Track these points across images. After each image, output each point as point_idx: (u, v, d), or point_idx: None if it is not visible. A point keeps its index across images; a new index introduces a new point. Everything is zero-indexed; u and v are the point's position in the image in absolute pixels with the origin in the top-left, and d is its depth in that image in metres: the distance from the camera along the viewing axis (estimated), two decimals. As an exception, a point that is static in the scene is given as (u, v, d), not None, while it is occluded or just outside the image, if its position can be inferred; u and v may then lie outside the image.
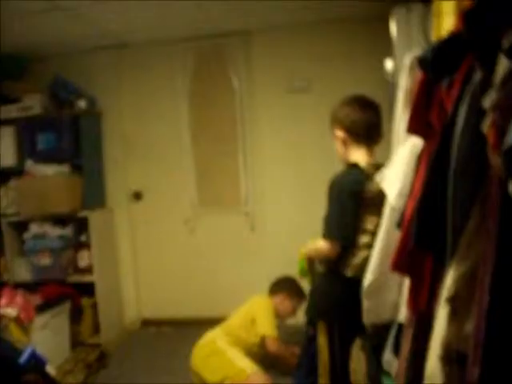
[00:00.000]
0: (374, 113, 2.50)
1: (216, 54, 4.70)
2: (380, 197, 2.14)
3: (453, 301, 1.18)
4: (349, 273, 2.38)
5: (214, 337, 3.57)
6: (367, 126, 2.47)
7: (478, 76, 1.13)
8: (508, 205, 1.04)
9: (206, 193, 4.85)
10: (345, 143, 2.51)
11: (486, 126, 0.99)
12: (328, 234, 2.44)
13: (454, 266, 1.18)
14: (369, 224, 2.34)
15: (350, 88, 4.47)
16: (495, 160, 1.00)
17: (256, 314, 3.64)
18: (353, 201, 2.36)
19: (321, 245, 2.49)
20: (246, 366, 3.34)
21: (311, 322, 2.61)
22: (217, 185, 4.81)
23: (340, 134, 2.52)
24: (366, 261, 2.24)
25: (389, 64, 3.44)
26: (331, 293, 2.51)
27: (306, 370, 2.68)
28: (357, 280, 2.27)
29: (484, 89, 1.04)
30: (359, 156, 2.48)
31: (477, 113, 1.07)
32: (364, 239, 2.36)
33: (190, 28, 4.42)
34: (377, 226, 2.20)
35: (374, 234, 2.24)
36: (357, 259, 2.36)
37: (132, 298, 5.02)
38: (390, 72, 3.40)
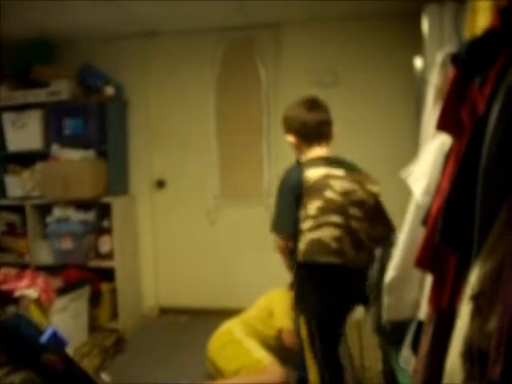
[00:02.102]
0: (320, 112, 2.57)
1: (245, 45, 4.70)
2: (318, 182, 2.38)
3: (477, 298, 1.17)
4: (298, 258, 2.43)
5: (230, 327, 3.57)
6: (315, 125, 2.55)
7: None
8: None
9: (228, 184, 4.86)
10: (297, 146, 2.62)
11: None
12: (272, 229, 2.57)
13: (479, 263, 1.17)
14: (311, 210, 2.40)
15: (377, 84, 4.50)
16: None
17: (274, 307, 3.64)
18: (291, 193, 2.46)
19: (274, 241, 2.60)
20: (263, 356, 3.33)
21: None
22: (239, 176, 4.81)
23: (291, 139, 2.62)
24: (311, 244, 2.36)
25: (418, 61, 3.42)
26: (301, 283, 2.56)
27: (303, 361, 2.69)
28: (322, 267, 2.39)
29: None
30: (311, 154, 2.58)
31: (511, 110, 1.06)
32: (307, 224, 2.39)
33: (220, 18, 4.42)
34: (318, 208, 2.36)
35: (316, 217, 2.36)
36: (302, 244, 2.40)
37: (151, 285, 5.05)
38: (419, 69, 3.38)
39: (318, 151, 2.58)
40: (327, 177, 2.42)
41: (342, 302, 2.58)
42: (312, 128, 2.56)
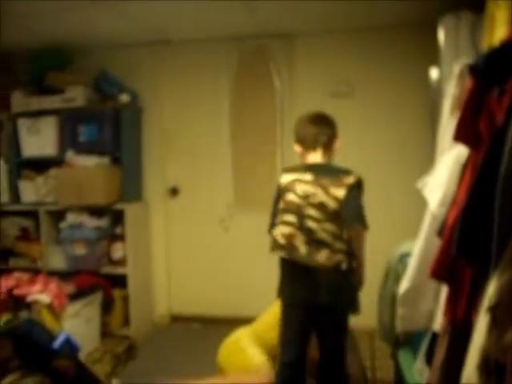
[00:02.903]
0: (321, 126, 2.80)
1: (259, 55, 4.71)
2: (286, 187, 2.70)
3: (494, 310, 1.17)
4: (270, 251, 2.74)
5: (239, 335, 3.56)
6: (313, 136, 2.77)
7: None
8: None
9: (242, 193, 4.86)
10: (300, 154, 2.85)
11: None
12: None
13: (497, 275, 1.17)
14: (277, 210, 2.73)
15: (392, 95, 4.50)
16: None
17: None
18: (274, 197, 2.80)
19: None
20: (262, 362, 3.32)
21: None
22: (253, 184, 4.81)
23: (296, 147, 2.86)
24: (271, 240, 2.70)
25: (434, 72, 3.42)
26: (279, 274, 2.82)
27: None
28: (284, 260, 2.73)
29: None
30: (306, 161, 2.82)
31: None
32: (277, 219, 2.71)
33: (235, 28, 4.44)
34: (280, 209, 2.69)
35: (278, 217, 2.70)
36: (271, 238, 2.71)
37: (163, 292, 5.05)
38: (434, 80, 3.38)
39: (312, 158, 2.79)
40: (294, 181, 2.69)
41: (302, 296, 2.71)
42: (309, 138, 2.78)
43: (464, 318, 1.48)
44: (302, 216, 2.61)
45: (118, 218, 4.61)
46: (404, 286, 2.11)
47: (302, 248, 2.59)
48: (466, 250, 1.32)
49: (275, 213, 2.77)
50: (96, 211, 4.56)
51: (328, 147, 2.80)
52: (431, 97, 3.44)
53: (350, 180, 2.64)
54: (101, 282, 4.49)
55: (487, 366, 1.18)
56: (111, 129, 4.53)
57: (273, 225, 2.75)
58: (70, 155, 4.54)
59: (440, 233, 1.68)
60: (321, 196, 2.60)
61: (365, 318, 3.55)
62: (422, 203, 2.17)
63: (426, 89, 3.77)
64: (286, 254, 2.66)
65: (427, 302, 2.05)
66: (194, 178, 4.92)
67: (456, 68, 2.04)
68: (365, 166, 4.52)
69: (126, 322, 4.62)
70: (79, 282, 4.31)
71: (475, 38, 2.73)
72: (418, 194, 2.21)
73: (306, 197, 2.63)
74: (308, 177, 2.67)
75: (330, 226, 2.58)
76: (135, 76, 4.82)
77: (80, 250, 4.48)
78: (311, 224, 2.59)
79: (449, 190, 1.77)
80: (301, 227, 2.60)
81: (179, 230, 4.99)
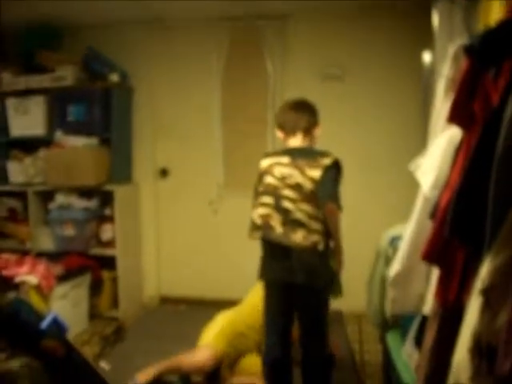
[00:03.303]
0: (300, 112, 2.85)
1: (252, 36, 4.66)
2: (265, 170, 2.76)
3: (487, 292, 1.16)
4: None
5: (218, 318, 3.57)
6: (289, 122, 2.84)
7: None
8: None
9: (232, 174, 4.84)
10: (282, 139, 2.91)
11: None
12: None
13: (490, 257, 1.15)
14: (256, 193, 2.82)
15: (384, 78, 4.48)
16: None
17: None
18: (257, 179, 2.85)
19: None
20: (205, 340, 3.37)
21: None
22: (243, 167, 4.78)
23: (277, 132, 2.92)
24: (250, 222, 2.79)
25: (427, 56, 3.40)
26: (261, 256, 2.86)
27: None
28: (262, 241, 2.78)
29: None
30: (289, 144, 2.86)
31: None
32: (256, 202, 2.80)
33: (227, 7, 4.38)
34: (258, 192, 2.78)
35: (256, 199, 2.80)
36: (250, 221, 2.81)
37: (152, 274, 5.04)
38: (427, 64, 3.36)
39: (292, 143, 2.84)
40: (272, 165, 2.76)
41: (280, 276, 2.74)
42: (289, 124, 2.84)
43: (455, 301, 1.47)
44: (278, 197, 2.67)
45: (107, 199, 4.57)
46: (395, 268, 2.10)
47: (278, 228, 2.64)
48: (460, 231, 1.31)
49: (255, 197, 2.83)
50: (85, 192, 4.52)
51: (308, 132, 2.84)
52: (424, 81, 3.43)
53: (327, 161, 2.67)
54: (89, 264, 4.47)
55: (479, 349, 1.17)
56: (101, 109, 4.48)
57: (252, 208, 2.82)
58: (59, 135, 4.49)
59: (432, 215, 1.66)
60: (297, 177, 2.65)
61: (353, 302, 3.57)
62: (415, 186, 2.16)
63: (418, 73, 3.76)
64: (262, 235, 2.72)
65: (418, 284, 2.05)
66: (184, 159, 4.89)
67: (451, 49, 2.02)
68: (356, 149, 4.54)
69: (115, 303, 4.61)
70: (68, 263, 4.29)
71: (469, 23, 2.71)
72: (411, 177, 2.19)
73: (282, 178, 2.69)
74: (285, 159, 2.74)
75: (306, 207, 2.62)
76: (126, 56, 4.75)
77: (69, 231, 4.45)
78: (287, 204, 2.64)
79: (442, 173, 1.76)
80: (277, 208, 2.66)
81: (169, 211, 4.97)
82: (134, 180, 4.94)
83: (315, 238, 2.60)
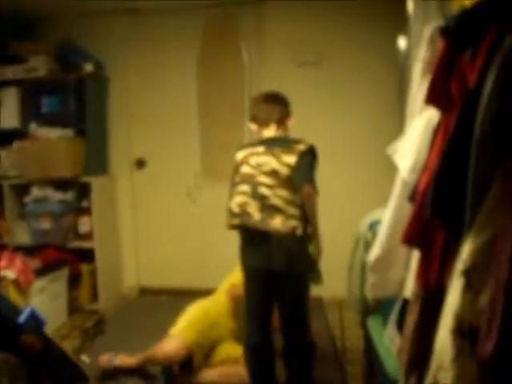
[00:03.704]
0: (272, 104, 2.91)
1: (227, 23, 4.63)
2: (241, 161, 2.79)
3: (468, 273, 1.15)
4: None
5: (191, 308, 3.57)
6: (262, 114, 2.89)
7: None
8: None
9: (209, 164, 4.82)
10: (256, 130, 2.96)
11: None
12: None
13: (471, 237, 1.15)
14: (232, 184, 2.82)
15: (360, 64, 4.47)
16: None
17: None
18: (233, 171, 2.86)
19: None
20: (173, 331, 3.37)
21: None
22: (220, 157, 4.75)
23: (251, 125, 2.98)
24: (227, 212, 2.80)
25: (402, 41, 3.39)
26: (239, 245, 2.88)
27: None
28: (240, 230, 2.79)
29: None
30: (263, 135, 2.91)
31: (508, 76, 1.04)
32: (232, 192, 2.80)
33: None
34: (235, 183, 2.79)
35: (232, 189, 2.80)
36: (227, 211, 2.81)
37: (131, 265, 5.02)
38: (402, 49, 3.36)
39: (266, 134, 2.89)
40: (248, 155, 2.79)
41: (259, 263, 2.76)
42: (262, 116, 2.89)
43: (436, 283, 1.47)
44: (254, 184, 2.69)
45: (83, 191, 4.53)
46: (374, 252, 2.10)
47: (256, 214, 2.65)
48: (440, 212, 1.30)
49: (232, 188, 2.84)
50: (61, 184, 4.47)
51: (281, 123, 2.89)
52: (400, 66, 3.43)
53: (302, 147, 2.72)
54: (67, 257, 4.43)
55: (461, 331, 1.17)
56: (75, 100, 4.44)
57: (229, 198, 2.83)
58: (33, 127, 4.44)
59: (411, 198, 1.66)
60: (273, 163, 2.68)
61: (334, 289, 3.57)
62: (393, 171, 2.15)
63: (394, 58, 3.76)
64: (240, 222, 2.72)
65: (398, 268, 2.04)
66: (161, 149, 4.85)
67: (426, 32, 2.01)
68: (333, 135, 4.54)
69: (94, 296, 4.58)
70: (45, 256, 4.25)
71: (444, 7, 2.71)
72: (389, 162, 2.19)
73: (258, 166, 2.72)
74: (260, 149, 2.78)
75: (282, 192, 2.64)
76: (100, 45, 4.70)
77: (45, 225, 4.40)
78: (264, 190, 2.66)
79: (420, 156, 1.75)
80: (254, 194, 2.67)
81: (146, 202, 4.94)
82: (111, 171, 4.90)
83: (293, 223, 2.61)
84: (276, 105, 2.90)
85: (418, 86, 1.97)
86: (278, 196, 2.63)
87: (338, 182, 4.46)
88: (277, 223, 2.60)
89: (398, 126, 2.80)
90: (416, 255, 1.72)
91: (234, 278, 3.55)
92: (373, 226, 2.60)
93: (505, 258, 1.05)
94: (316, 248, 2.74)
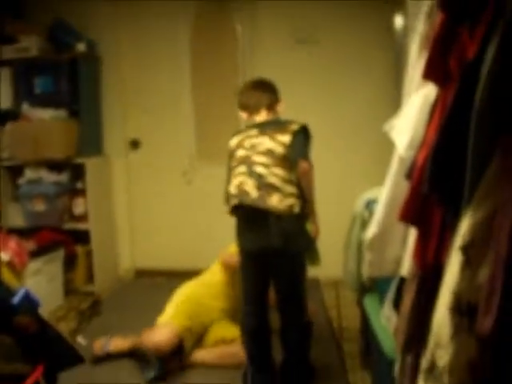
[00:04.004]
0: (260, 91, 2.92)
1: (221, 1, 4.57)
2: (236, 147, 2.83)
3: (467, 249, 1.13)
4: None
5: (180, 292, 3.58)
6: (252, 101, 2.90)
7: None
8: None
9: (204, 144, 4.80)
10: (246, 118, 2.99)
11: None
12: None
13: (470, 213, 1.13)
14: (229, 169, 2.86)
15: (356, 40, 4.43)
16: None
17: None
18: (228, 157, 2.90)
19: None
20: (165, 316, 3.38)
21: None
22: (215, 136, 4.73)
23: (241, 114, 2.99)
24: (225, 195, 2.85)
25: (398, 20, 3.36)
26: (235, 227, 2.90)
27: None
28: (237, 211, 2.80)
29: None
30: (255, 121, 2.92)
31: (510, 46, 1.01)
32: (230, 176, 2.83)
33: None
34: (231, 167, 2.82)
35: (229, 174, 2.84)
36: (225, 195, 2.86)
37: (127, 247, 5.00)
38: (399, 27, 3.33)
39: (258, 119, 2.90)
40: (242, 140, 2.83)
41: (256, 242, 2.77)
42: (252, 103, 2.90)
43: (433, 261, 1.45)
44: (250, 164, 2.72)
45: (78, 172, 4.50)
46: (371, 231, 2.08)
47: (254, 192, 2.67)
48: (438, 188, 1.28)
49: (228, 173, 2.87)
50: (55, 166, 4.44)
51: (271, 108, 2.91)
52: (397, 44, 3.40)
53: (295, 127, 2.76)
54: (62, 238, 4.41)
55: (459, 308, 1.15)
56: (68, 80, 4.39)
57: (227, 183, 2.85)
58: (26, 108, 4.39)
59: (408, 175, 1.63)
60: (267, 143, 2.73)
61: (330, 268, 3.56)
62: (390, 149, 2.13)
63: (392, 36, 3.72)
64: (238, 201, 2.74)
65: (395, 247, 2.03)
66: (155, 130, 4.82)
67: (424, 7, 1.97)
68: (330, 113, 4.51)
69: (90, 278, 4.58)
70: (40, 238, 4.23)
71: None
72: (387, 140, 2.16)
73: (253, 147, 2.76)
74: (254, 132, 2.82)
75: (279, 171, 2.67)
76: (93, 25, 4.65)
77: (39, 206, 4.37)
78: (260, 169, 2.69)
79: (417, 132, 1.72)
80: (250, 174, 2.70)
81: (141, 183, 4.92)
82: (105, 152, 4.87)
83: (290, 201, 2.64)
84: (265, 92, 2.92)
85: (416, 61, 1.94)
86: (274, 174, 2.66)
87: (334, 161, 4.45)
88: (274, 201, 2.62)
89: (395, 104, 2.77)
90: (413, 233, 1.70)
91: (228, 251, 3.53)
92: (369, 205, 2.58)
93: (504, 233, 1.03)
94: (314, 226, 2.77)
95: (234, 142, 2.88)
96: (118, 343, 3.37)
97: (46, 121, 4.32)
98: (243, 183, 2.71)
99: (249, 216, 2.75)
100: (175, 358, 3.24)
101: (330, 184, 4.22)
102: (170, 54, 4.71)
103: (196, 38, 4.68)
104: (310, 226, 2.75)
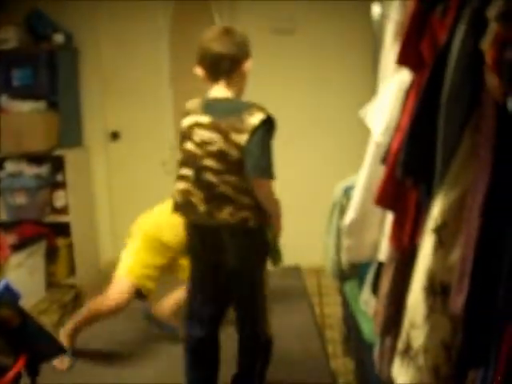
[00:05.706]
0: (226, 44, 2.33)
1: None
2: (185, 133, 2.36)
3: (439, 231, 1.16)
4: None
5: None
6: (214, 58, 2.34)
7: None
8: (503, 130, 1.01)
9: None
10: (204, 81, 2.42)
11: (487, 42, 0.95)
12: None
13: (441, 195, 1.15)
14: (178, 162, 2.43)
15: (335, 30, 4.45)
16: (492, 80, 0.96)
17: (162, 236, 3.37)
18: (180, 140, 2.43)
19: None
20: (121, 270, 3.30)
21: None
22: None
23: (198, 69, 2.45)
24: (175, 195, 2.43)
25: (376, 8, 3.37)
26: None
27: None
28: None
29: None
30: (211, 93, 2.40)
31: (476, 32, 1.03)
32: (177, 173, 2.43)
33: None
34: (179, 161, 2.40)
35: (178, 170, 2.41)
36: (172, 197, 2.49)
37: (108, 239, 4.98)
38: (376, 16, 3.34)
39: (215, 92, 2.38)
40: (193, 126, 2.34)
41: (208, 261, 2.50)
42: (210, 59, 2.35)
43: (409, 244, 1.47)
44: (198, 168, 2.30)
45: (58, 165, 4.46)
46: (349, 216, 2.10)
47: (201, 207, 2.30)
48: (412, 171, 1.30)
49: (177, 166, 2.48)
50: (35, 159, 4.40)
51: (231, 75, 2.35)
52: (374, 33, 3.41)
53: (255, 121, 2.23)
54: (44, 231, 4.39)
55: (432, 288, 1.18)
56: (46, 71, 4.34)
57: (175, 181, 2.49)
58: (5, 100, 4.35)
59: (384, 160, 1.65)
60: (220, 143, 2.25)
61: (311, 256, 3.59)
62: (366, 137, 2.15)
63: (369, 26, 3.73)
64: (183, 215, 2.45)
65: (372, 232, 2.05)
66: (135, 120, 4.80)
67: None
68: (307, 103, 4.53)
69: (72, 270, 4.56)
70: (21, 231, 4.21)
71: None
72: (363, 128, 2.18)
73: (203, 144, 2.29)
74: (206, 119, 2.30)
75: (232, 178, 2.26)
76: (69, 15, 4.58)
77: (20, 200, 4.34)
78: (210, 177, 2.28)
79: (392, 118, 1.74)
80: (198, 181, 2.31)
81: (121, 174, 4.90)
82: (85, 144, 4.84)
83: (244, 213, 2.27)
84: (228, 46, 2.33)
85: (390, 47, 1.96)
86: (226, 183, 2.26)
87: (312, 149, 4.46)
88: (225, 214, 2.27)
89: (372, 92, 2.79)
90: (390, 217, 1.73)
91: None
92: (347, 191, 2.59)
93: (475, 214, 1.06)
94: (275, 233, 2.45)
95: (185, 123, 2.39)
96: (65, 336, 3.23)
97: (25, 113, 4.29)
98: (189, 193, 2.34)
99: (199, 231, 2.44)
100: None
101: (309, 172, 4.24)
102: (149, 45, 4.68)
103: (175, 28, 4.66)
104: (270, 233, 2.42)
